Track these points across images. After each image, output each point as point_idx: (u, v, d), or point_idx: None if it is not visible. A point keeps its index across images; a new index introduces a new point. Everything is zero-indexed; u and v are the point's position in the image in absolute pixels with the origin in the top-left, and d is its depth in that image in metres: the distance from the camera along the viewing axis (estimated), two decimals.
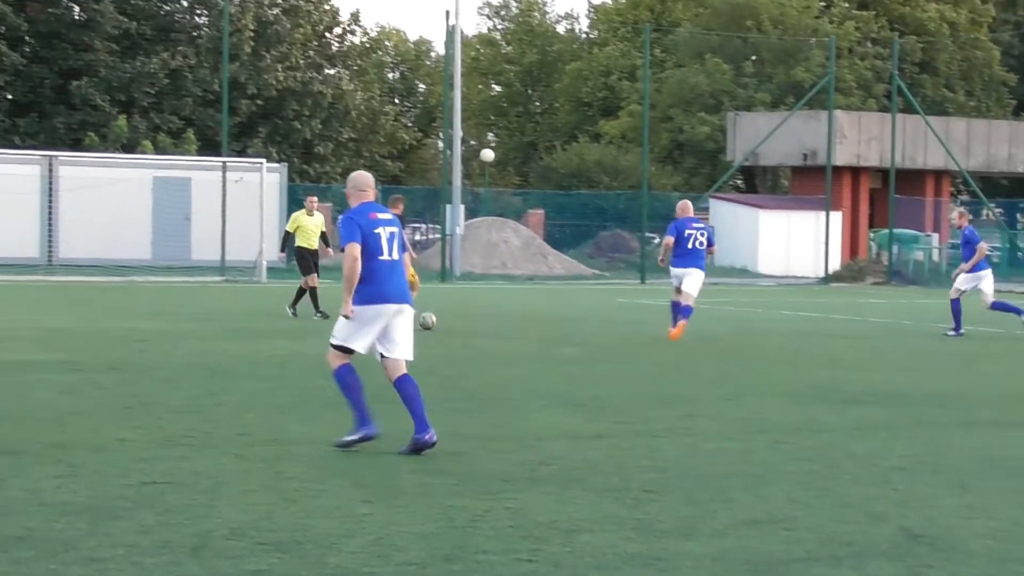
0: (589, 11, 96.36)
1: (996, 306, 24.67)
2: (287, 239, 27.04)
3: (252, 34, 58.21)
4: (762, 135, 55.62)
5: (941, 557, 7.72)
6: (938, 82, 71.47)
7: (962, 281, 24.39)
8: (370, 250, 10.53)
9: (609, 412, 13.19)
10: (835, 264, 52.31)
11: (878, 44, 70.39)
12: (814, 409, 13.76)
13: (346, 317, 10.52)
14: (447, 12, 49.33)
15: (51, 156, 45.01)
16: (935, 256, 53.22)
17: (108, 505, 8.47)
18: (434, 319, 22.79)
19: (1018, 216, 65.05)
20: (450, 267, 45.26)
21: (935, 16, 71.88)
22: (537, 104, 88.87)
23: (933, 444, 11.74)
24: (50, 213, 43.64)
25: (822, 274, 50.63)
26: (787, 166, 62.17)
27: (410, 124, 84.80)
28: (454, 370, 16.65)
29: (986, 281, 24.44)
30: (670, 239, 22.40)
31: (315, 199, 27.07)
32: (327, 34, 67.18)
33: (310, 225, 26.22)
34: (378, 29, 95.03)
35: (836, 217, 54.01)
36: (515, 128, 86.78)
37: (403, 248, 10.90)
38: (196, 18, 62.06)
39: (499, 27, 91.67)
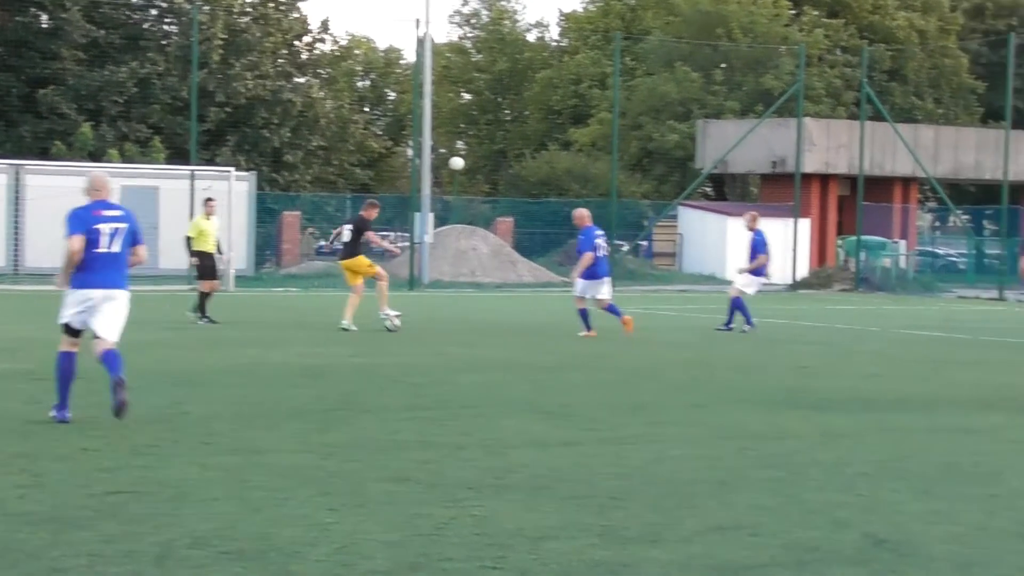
0: (560, 19, 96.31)
1: (736, 303, 25.37)
2: (190, 244, 25.84)
3: (221, 42, 58.02)
4: (731, 143, 55.77)
5: (905, 563, 7.75)
6: (907, 90, 71.70)
7: (743, 283, 25.67)
8: (89, 243, 12.13)
9: (576, 419, 13.19)
10: (803, 271, 52.45)
11: (847, 52, 70.56)
12: (780, 416, 13.79)
13: (59, 288, 12.33)
14: (417, 20, 49.32)
15: (18, 165, 44.71)
16: (902, 263, 53.37)
17: (72, 515, 8.44)
18: (398, 322, 23.72)
19: (984, 223, 65.29)
20: (419, 275, 45.22)
21: (904, 24, 72.14)
22: (507, 112, 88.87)
23: (898, 450, 11.78)
24: (16, 222, 43.41)
25: (790, 281, 50.70)
26: (756, 173, 62.32)
27: (380, 132, 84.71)
28: (423, 378, 16.64)
29: (752, 284, 25.81)
30: (590, 255, 22.84)
31: (214, 203, 26.48)
32: (296, 42, 67.01)
33: (211, 229, 25.90)
34: (348, 37, 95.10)
35: (804, 224, 54.19)
36: (485, 136, 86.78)
37: (134, 242, 12.65)
38: (165, 27, 61.79)
39: (469, 35, 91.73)
